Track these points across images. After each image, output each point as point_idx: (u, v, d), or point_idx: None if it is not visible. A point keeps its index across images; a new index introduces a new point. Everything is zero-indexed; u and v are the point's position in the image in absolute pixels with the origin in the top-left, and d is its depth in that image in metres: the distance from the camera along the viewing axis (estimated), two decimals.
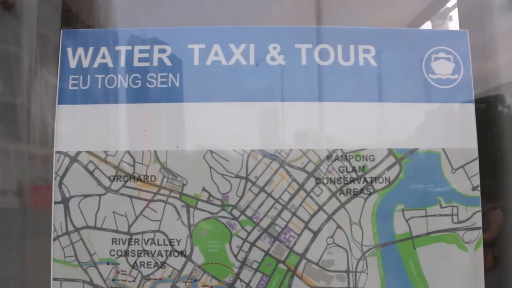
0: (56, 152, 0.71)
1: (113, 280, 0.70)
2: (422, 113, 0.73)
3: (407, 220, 0.71)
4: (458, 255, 0.72)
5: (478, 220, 0.73)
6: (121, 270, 0.70)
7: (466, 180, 0.73)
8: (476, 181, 0.73)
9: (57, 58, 0.72)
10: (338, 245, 0.70)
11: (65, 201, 0.71)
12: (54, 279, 0.71)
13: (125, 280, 0.70)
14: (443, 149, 0.73)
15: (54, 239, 0.71)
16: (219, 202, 0.70)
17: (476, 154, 0.73)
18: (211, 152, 0.70)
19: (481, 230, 0.72)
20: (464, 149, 0.73)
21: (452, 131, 0.74)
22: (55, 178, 0.71)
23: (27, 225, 0.74)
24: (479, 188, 0.73)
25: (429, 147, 0.73)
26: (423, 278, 0.71)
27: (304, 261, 0.70)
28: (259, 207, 0.69)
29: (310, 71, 0.72)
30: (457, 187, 0.72)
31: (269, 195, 0.70)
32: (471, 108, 0.74)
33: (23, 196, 0.75)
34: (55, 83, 0.72)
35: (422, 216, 0.71)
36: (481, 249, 0.72)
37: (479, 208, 0.72)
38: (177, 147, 0.70)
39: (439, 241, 0.72)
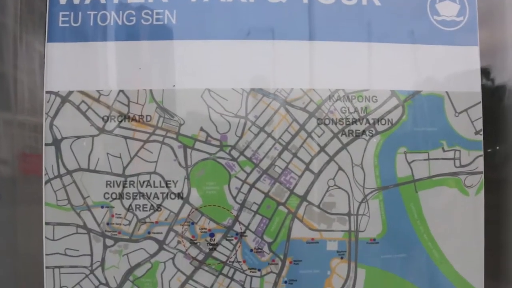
0: (47, 92, 0.68)
1: (107, 224, 0.68)
2: (426, 55, 0.72)
3: (409, 163, 0.70)
4: (460, 199, 0.71)
5: (480, 165, 0.71)
6: (116, 214, 0.68)
7: (469, 124, 0.71)
8: (479, 125, 0.71)
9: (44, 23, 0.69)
10: (339, 188, 0.68)
11: (56, 142, 0.68)
12: (47, 223, 0.68)
13: (120, 224, 0.68)
14: (446, 92, 0.71)
15: (46, 182, 0.68)
16: (217, 143, 0.67)
17: (479, 98, 0.72)
18: (209, 91, 0.68)
19: (482, 175, 0.71)
20: (468, 93, 0.72)
21: (456, 74, 0.72)
22: (46, 119, 0.68)
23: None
24: (481, 132, 0.71)
25: (433, 90, 0.71)
26: (424, 221, 0.70)
27: (304, 203, 0.68)
28: (258, 147, 0.67)
29: (312, 9, 0.70)
30: (460, 131, 0.71)
31: (269, 135, 0.68)
32: (475, 51, 0.72)
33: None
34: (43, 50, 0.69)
35: (424, 159, 0.70)
36: (482, 193, 0.71)
37: (481, 153, 0.71)
38: (174, 86, 0.68)
39: (441, 184, 0.71)
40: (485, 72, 0.74)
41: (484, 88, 0.72)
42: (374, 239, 0.69)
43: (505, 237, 0.74)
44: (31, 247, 0.71)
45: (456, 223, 0.71)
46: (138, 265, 0.68)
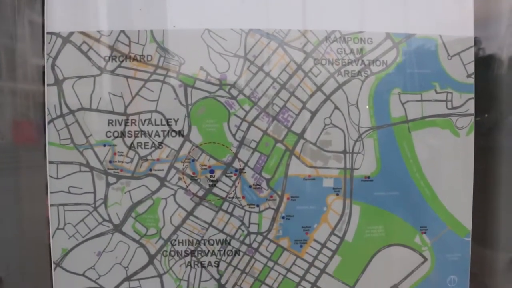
0: (48, 33, 0.69)
1: (110, 162, 0.70)
2: None
3: (403, 104, 0.72)
4: (451, 140, 0.73)
5: (471, 107, 0.74)
6: (118, 152, 0.70)
7: (461, 67, 0.73)
8: (471, 68, 0.74)
9: None
10: (335, 126, 0.71)
11: (58, 83, 0.69)
12: (50, 162, 0.70)
13: (122, 162, 0.70)
14: (440, 36, 0.73)
15: (49, 122, 0.69)
16: (217, 81, 0.69)
17: (472, 42, 0.74)
18: (209, 31, 0.69)
19: (473, 117, 0.74)
20: (461, 37, 0.73)
21: (450, 18, 0.74)
22: (47, 60, 0.69)
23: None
24: (473, 76, 0.73)
25: (427, 33, 0.73)
26: (416, 161, 0.72)
27: (302, 141, 0.70)
28: (257, 86, 0.69)
29: None
30: (452, 74, 0.73)
31: (267, 74, 0.69)
32: None
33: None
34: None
35: (417, 101, 0.72)
36: (472, 135, 0.74)
37: (473, 95, 0.74)
38: (174, 26, 0.69)
39: (433, 125, 0.73)
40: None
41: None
42: (369, 177, 0.71)
43: (492, 176, 0.77)
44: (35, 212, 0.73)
45: (447, 163, 0.73)
46: (140, 201, 0.70)
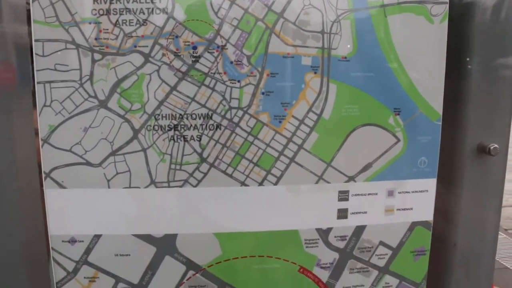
0: None
1: (95, 39, 0.72)
2: None
3: None
4: (425, 26, 0.77)
5: None
6: (103, 29, 0.71)
7: None
8: None
9: None
10: (314, 7, 0.73)
11: None
12: (36, 40, 0.71)
13: (108, 39, 0.72)
14: None
15: (33, 0, 0.70)
16: None
17: None
18: None
19: (447, 5, 0.77)
20: None
21: None
22: None
23: None
24: None
25: None
26: (391, 45, 0.76)
27: (281, 20, 0.73)
28: None
29: None
30: None
31: None
32: None
33: None
34: None
35: None
36: (446, 22, 0.77)
37: None
38: None
39: (409, 11, 0.76)
40: None
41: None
42: (345, 57, 0.74)
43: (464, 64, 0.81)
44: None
45: (421, 48, 0.77)
46: (125, 77, 0.72)
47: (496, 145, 0.80)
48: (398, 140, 0.78)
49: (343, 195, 0.78)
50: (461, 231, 0.87)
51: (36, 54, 0.71)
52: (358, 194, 0.78)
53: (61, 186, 0.73)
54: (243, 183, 0.75)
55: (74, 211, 0.74)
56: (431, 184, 0.80)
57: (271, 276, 0.79)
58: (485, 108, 0.82)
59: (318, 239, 0.78)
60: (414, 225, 0.81)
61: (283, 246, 0.77)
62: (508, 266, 2.76)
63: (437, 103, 0.78)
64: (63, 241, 0.75)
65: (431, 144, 0.79)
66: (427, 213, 0.82)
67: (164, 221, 0.75)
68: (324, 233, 0.78)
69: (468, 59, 0.80)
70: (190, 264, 0.77)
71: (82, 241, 0.75)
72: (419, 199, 0.80)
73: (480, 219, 0.85)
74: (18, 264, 0.78)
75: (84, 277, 0.77)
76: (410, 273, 0.84)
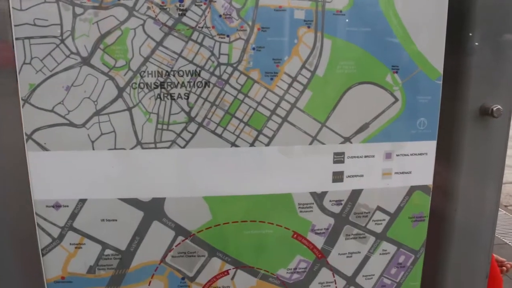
0: None
1: None
2: None
3: None
4: None
5: None
6: None
7: None
8: None
9: None
10: None
11: None
12: None
13: None
14: None
15: None
16: None
17: None
18: None
19: None
20: None
21: None
22: None
23: None
24: None
25: None
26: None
27: None
28: None
29: None
30: None
31: None
32: None
33: None
34: None
35: None
36: None
37: None
38: None
39: None
40: None
41: None
42: (341, 11, 0.70)
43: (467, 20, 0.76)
44: None
45: (420, 1, 0.73)
46: (109, 32, 0.68)
47: (499, 106, 0.76)
48: (396, 99, 0.74)
49: (339, 157, 0.74)
50: (461, 198, 0.83)
51: (13, 8, 0.67)
52: (354, 157, 0.75)
53: (43, 148, 0.70)
54: (233, 144, 0.71)
55: (58, 175, 0.71)
56: (430, 146, 0.77)
57: (264, 242, 0.76)
58: (488, 68, 0.78)
59: (313, 203, 0.75)
60: (412, 189, 0.78)
61: (276, 210, 0.74)
62: (507, 242, 2.73)
63: (437, 61, 0.74)
64: (47, 206, 0.72)
65: (431, 105, 0.75)
66: (426, 177, 0.78)
67: (151, 184, 0.72)
68: (318, 197, 0.75)
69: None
70: (179, 230, 0.74)
71: (67, 206, 0.72)
72: (418, 162, 0.77)
73: (481, 184, 0.82)
74: (4, 232, 0.75)
75: (70, 244, 0.74)
76: (408, 240, 0.81)
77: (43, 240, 0.74)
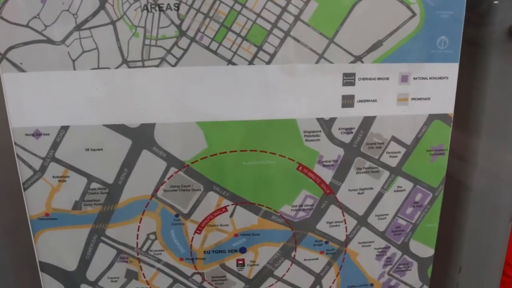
0: None
1: None
2: None
3: None
4: None
5: None
6: None
7: None
8: None
9: None
10: None
11: None
12: None
13: None
14: None
15: None
16: None
17: None
18: None
19: None
20: None
21: None
22: None
23: None
24: None
25: None
26: None
27: None
28: None
29: None
30: None
31: None
32: None
33: None
34: None
35: None
36: None
37: None
38: None
39: None
40: None
41: None
42: None
43: None
44: None
45: None
46: None
47: None
48: (414, 14, 0.65)
49: (349, 79, 0.66)
50: (484, 133, 0.75)
51: None
52: (366, 78, 0.66)
53: (20, 69, 0.63)
54: (230, 61, 0.63)
55: (37, 99, 0.64)
56: (452, 69, 0.68)
57: (265, 175, 0.68)
58: None
59: (320, 131, 0.67)
60: (431, 118, 0.70)
61: (279, 138, 0.66)
62: None
63: None
64: (26, 134, 0.65)
65: (453, 21, 0.66)
66: (447, 105, 0.70)
67: (139, 108, 0.64)
68: (326, 124, 0.67)
69: None
70: (171, 160, 0.67)
71: (48, 134, 0.65)
72: (438, 87, 0.68)
73: (506, 115, 0.73)
74: None
75: (53, 176, 0.67)
76: (426, 175, 0.73)
77: (24, 173, 0.67)
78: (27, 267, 0.76)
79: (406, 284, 0.79)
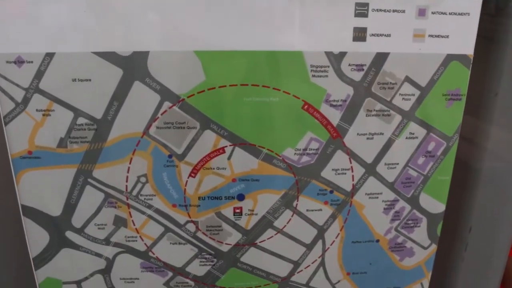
0: None
1: None
2: None
3: None
4: None
5: None
6: None
7: None
8: None
9: None
10: None
11: None
12: None
13: None
14: None
15: None
16: None
17: None
18: None
19: None
20: None
21: None
22: None
23: None
24: None
25: None
26: None
27: None
28: None
29: None
30: None
31: None
32: None
33: None
34: None
35: None
36: None
37: None
38: None
39: None
40: None
41: None
42: None
43: None
44: None
45: None
46: None
47: None
48: None
49: (361, 9, 0.60)
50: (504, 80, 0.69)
51: None
52: (380, 10, 0.60)
53: None
54: None
55: (19, 22, 0.58)
56: (474, 5, 0.62)
57: (268, 113, 0.63)
58: None
59: (328, 66, 0.61)
60: (449, 58, 0.64)
61: (283, 73, 0.61)
62: None
63: None
64: (7, 61, 0.60)
65: None
66: (467, 45, 0.64)
67: (131, 34, 0.59)
68: (335, 59, 0.61)
69: None
70: (165, 93, 0.61)
71: (31, 62, 0.60)
72: (457, 24, 0.62)
73: None
74: None
75: (37, 110, 0.62)
76: (440, 122, 0.67)
77: (4, 105, 0.62)
78: (11, 213, 0.70)
79: (413, 241, 0.74)
